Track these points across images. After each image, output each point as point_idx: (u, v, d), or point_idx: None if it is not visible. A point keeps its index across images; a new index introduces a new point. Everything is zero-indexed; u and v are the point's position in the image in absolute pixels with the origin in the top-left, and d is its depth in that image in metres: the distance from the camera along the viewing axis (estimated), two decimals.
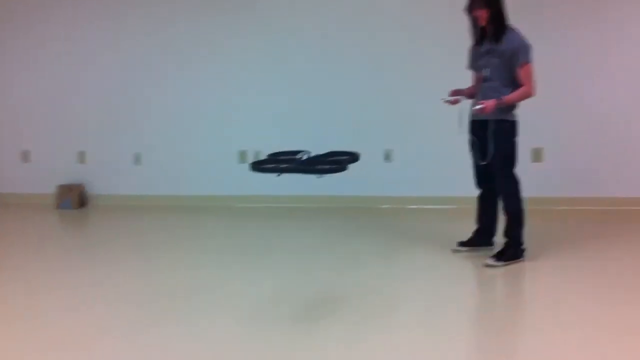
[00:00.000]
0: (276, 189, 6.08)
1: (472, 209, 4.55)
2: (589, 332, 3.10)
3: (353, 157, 3.86)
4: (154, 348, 3.02)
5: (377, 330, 3.18)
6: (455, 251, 4.47)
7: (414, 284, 3.96)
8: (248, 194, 6.18)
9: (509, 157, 4.13)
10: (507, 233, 4.21)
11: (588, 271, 4.05)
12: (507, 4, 4.06)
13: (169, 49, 6.18)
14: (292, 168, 3.80)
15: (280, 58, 5.98)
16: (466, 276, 4.18)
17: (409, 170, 5.84)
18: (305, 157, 3.86)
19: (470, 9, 4.11)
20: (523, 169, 4.19)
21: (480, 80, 4.26)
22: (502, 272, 4.09)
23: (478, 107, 3.96)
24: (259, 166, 3.88)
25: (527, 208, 4.18)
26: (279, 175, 3.84)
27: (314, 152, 4.00)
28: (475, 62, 4.30)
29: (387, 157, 5.92)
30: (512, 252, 4.17)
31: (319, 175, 3.73)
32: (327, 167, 3.81)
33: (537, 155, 5.52)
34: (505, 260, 4.14)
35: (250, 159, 6.13)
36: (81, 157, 6.48)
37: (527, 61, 4.03)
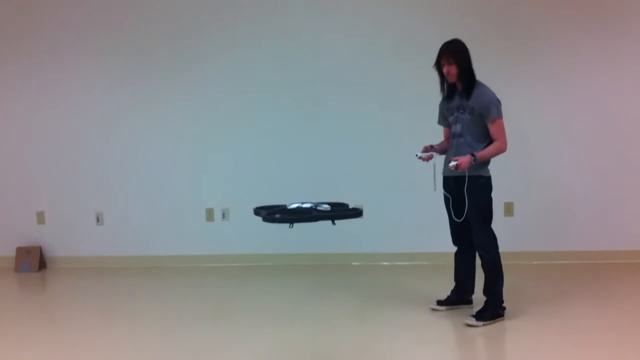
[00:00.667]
0: (243, 248, 5.95)
1: (447, 265, 4.49)
2: None
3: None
4: None
5: None
6: (433, 310, 4.37)
7: (392, 345, 3.83)
8: (215, 253, 6.00)
9: (485, 212, 4.08)
10: (487, 291, 4.12)
11: (569, 330, 3.96)
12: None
13: (129, 105, 6.05)
14: (308, 217, 3.85)
15: (246, 113, 5.90)
16: (446, 336, 4.06)
17: (382, 226, 5.76)
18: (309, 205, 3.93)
19: (440, 65, 4.12)
20: (496, 223, 4.16)
21: (450, 136, 4.25)
22: (483, 331, 3.99)
23: (453, 163, 3.92)
24: (270, 217, 3.88)
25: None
26: (291, 226, 3.83)
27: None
28: (445, 118, 4.30)
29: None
30: (493, 310, 4.08)
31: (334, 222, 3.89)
32: (347, 212, 4.02)
33: (508, 210, 5.51)
34: (485, 320, 4.04)
35: (219, 216, 6.01)
36: (40, 217, 6.23)
37: (498, 117, 4.03)
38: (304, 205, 3.90)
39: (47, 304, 5.30)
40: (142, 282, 5.61)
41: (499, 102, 4.05)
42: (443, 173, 4.25)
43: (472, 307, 4.29)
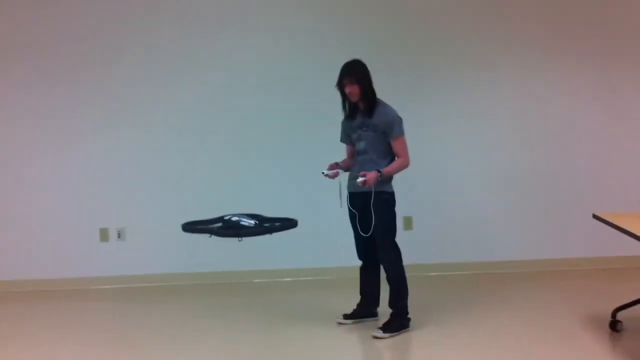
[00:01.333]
0: (136, 269, 5.73)
1: (349, 279, 4.59)
2: None
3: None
4: None
5: None
6: (340, 324, 4.42)
7: None
8: (110, 275, 5.74)
9: (390, 226, 4.21)
10: (393, 303, 4.24)
11: (470, 336, 4.15)
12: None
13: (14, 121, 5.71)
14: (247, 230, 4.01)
15: (139, 131, 5.73)
16: (354, 349, 4.13)
17: (283, 242, 5.71)
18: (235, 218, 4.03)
19: (342, 85, 4.21)
20: (397, 237, 4.28)
21: (353, 153, 4.36)
22: (390, 343, 4.09)
23: (361, 179, 4.01)
24: (191, 227, 4.03)
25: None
26: (210, 236, 3.95)
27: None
28: (348, 136, 4.40)
29: None
30: (399, 322, 4.20)
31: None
32: (277, 224, 4.13)
33: (407, 224, 5.69)
34: (392, 331, 4.15)
35: (114, 237, 5.76)
36: None
37: (400, 134, 4.18)
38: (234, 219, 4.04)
39: None
40: (27, 307, 5.28)
41: (400, 119, 4.20)
42: (348, 189, 4.33)
43: (377, 320, 4.38)
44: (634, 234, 3.56)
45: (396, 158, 4.21)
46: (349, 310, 4.48)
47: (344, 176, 4.35)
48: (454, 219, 5.78)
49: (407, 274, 4.28)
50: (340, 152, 4.51)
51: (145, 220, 5.75)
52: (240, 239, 4.00)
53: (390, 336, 4.13)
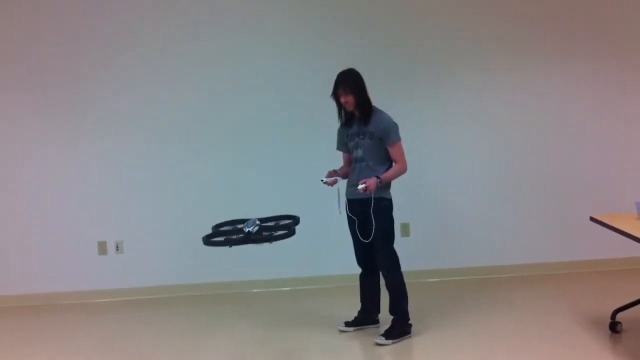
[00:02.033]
0: (135, 281, 5.72)
1: (349, 287, 4.60)
2: None
3: (295, 220, 4.21)
4: None
5: None
6: (341, 331, 4.43)
7: None
8: (108, 288, 5.73)
9: (388, 233, 4.23)
10: (393, 310, 4.25)
11: (471, 341, 4.17)
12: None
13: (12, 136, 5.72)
14: (243, 239, 4.00)
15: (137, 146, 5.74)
16: (357, 356, 4.13)
17: (281, 251, 5.72)
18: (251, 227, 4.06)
19: (337, 95, 4.24)
20: (395, 244, 4.30)
21: (350, 161, 4.39)
22: (392, 349, 4.11)
23: (362, 186, 4.03)
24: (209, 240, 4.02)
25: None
26: (230, 246, 3.98)
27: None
28: (345, 144, 4.43)
29: None
30: (400, 328, 4.21)
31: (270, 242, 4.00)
32: (279, 233, 4.06)
33: (405, 231, 5.71)
34: (394, 338, 4.17)
35: (112, 250, 5.75)
36: None
37: (397, 140, 4.21)
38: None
39: None
40: (27, 321, 5.25)
41: (396, 126, 4.23)
42: (347, 196, 4.35)
43: (379, 327, 4.40)
44: (633, 235, 3.59)
45: (394, 164, 4.23)
46: (351, 318, 4.49)
47: (342, 183, 4.37)
48: (451, 225, 5.80)
49: (407, 281, 4.29)
50: (337, 160, 4.54)
51: (144, 233, 5.74)
52: (229, 246, 3.97)
53: (393, 342, 4.15)
